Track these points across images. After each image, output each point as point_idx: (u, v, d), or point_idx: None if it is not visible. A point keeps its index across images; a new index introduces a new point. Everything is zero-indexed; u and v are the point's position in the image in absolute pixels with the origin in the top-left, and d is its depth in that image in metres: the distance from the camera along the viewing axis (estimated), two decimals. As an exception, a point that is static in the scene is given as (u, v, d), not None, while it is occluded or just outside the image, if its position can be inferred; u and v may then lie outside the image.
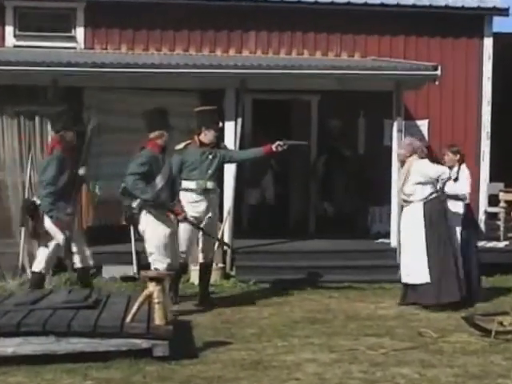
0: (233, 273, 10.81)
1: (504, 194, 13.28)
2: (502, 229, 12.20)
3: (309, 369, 6.34)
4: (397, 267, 9.75)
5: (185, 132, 11.22)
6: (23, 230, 9.83)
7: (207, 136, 9.11)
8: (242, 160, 10.16)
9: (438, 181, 9.15)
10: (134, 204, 8.28)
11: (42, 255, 8.41)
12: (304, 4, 13.14)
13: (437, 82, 11.44)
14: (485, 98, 13.64)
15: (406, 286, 9.13)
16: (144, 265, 10.20)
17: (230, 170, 10.92)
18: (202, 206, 9.06)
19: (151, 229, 8.33)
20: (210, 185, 9.10)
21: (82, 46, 12.98)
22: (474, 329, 7.53)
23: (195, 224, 8.85)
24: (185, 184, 9.09)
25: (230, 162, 9.69)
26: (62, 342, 6.29)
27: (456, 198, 9.34)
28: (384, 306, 9.10)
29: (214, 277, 10.02)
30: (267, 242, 11.53)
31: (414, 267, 8.93)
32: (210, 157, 9.10)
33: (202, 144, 9.12)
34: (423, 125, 13.51)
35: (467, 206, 9.54)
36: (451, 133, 13.57)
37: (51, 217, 8.21)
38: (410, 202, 9.08)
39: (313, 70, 11.13)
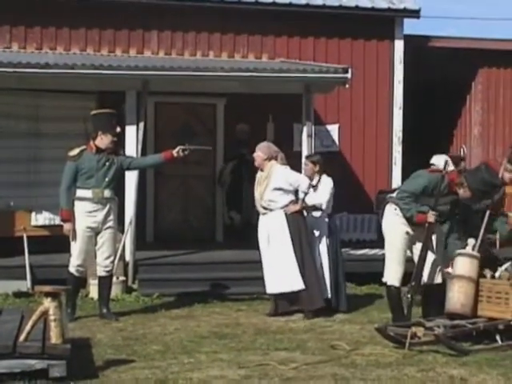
0: (135, 286, 10.70)
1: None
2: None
3: (217, 386, 6.32)
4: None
5: (81, 137, 11.11)
6: None
7: (103, 141, 8.98)
8: (141, 167, 10.12)
9: (297, 191, 9.29)
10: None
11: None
12: (210, 3, 13.13)
13: (347, 85, 11.59)
14: (396, 102, 13.91)
15: (276, 295, 9.27)
16: (38, 279, 10.05)
17: (131, 178, 10.81)
18: (99, 216, 8.94)
19: None
20: (107, 193, 8.99)
21: (-32, 43, 12.67)
22: (387, 340, 7.64)
23: None
24: (80, 193, 8.95)
25: (128, 169, 9.54)
26: None
27: (314, 207, 9.56)
28: (295, 318, 9.14)
29: (115, 291, 9.91)
30: (171, 254, 11.46)
31: (287, 275, 9.11)
32: (107, 164, 8.98)
33: (98, 150, 8.99)
34: (333, 129, 13.67)
35: (330, 216, 9.76)
36: (362, 138, 13.80)
37: None
38: (270, 209, 9.23)
39: (218, 72, 11.12)
